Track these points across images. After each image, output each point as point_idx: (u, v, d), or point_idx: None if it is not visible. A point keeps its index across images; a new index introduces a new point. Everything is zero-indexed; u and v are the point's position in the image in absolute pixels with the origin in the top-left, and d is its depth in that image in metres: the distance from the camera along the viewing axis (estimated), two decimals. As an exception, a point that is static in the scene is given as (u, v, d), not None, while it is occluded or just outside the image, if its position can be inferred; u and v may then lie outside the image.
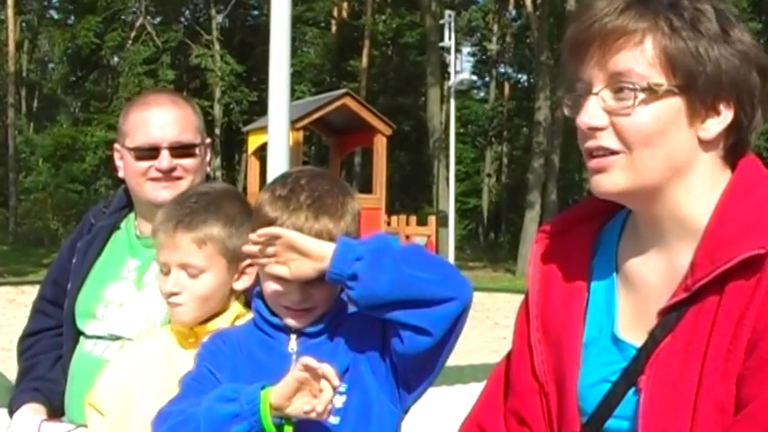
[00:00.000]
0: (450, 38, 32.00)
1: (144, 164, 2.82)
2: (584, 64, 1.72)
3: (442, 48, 33.68)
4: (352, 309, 2.09)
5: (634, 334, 1.76)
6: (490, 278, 32.55)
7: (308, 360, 1.89)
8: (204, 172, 2.92)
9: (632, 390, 1.71)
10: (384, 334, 2.05)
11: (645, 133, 1.67)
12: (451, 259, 28.20)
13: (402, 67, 50.19)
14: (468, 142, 53.78)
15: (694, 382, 1.63)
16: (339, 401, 2.03)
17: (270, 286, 2.10)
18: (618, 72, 1.68)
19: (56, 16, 52.55)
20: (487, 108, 54.31)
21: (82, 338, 2.86)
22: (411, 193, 47.29)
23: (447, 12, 33.05)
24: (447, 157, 32.27)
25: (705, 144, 1.71)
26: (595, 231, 1.92)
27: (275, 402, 1.92)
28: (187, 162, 2.83)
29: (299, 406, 1.91)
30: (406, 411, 2.16)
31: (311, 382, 1.90)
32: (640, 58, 1.67)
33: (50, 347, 3.04)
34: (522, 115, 51.40)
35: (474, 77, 44.71)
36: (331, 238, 2.03)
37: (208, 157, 2.94)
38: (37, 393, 2.90)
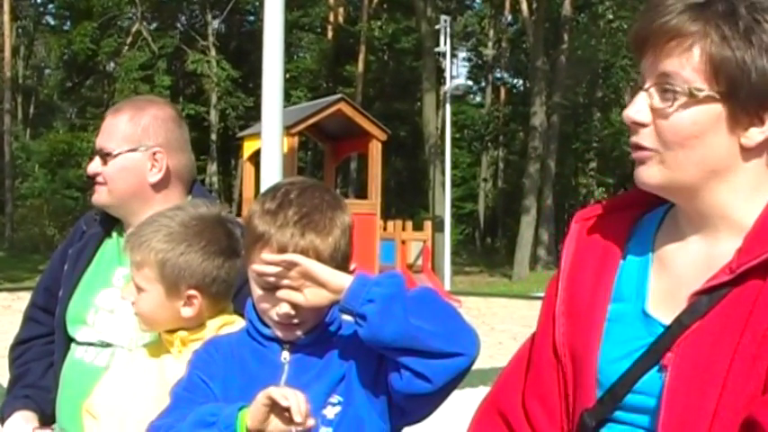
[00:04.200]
0: (445, 43, 31.99)
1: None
2: (643, 59, 1.76)
3: (438, 53, 33.66)
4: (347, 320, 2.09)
5: (664, 312, 1.76)
6: (486, 283, 32.59)
7: (272, 391, 1.89)
8: (133, 180, 2.89)
9: (656, 367, 1.71)
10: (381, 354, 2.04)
11: (681, 135, 1.70)
12: (447, 264, 28.20)
13: (398, 73, 50.19)
14: (464, 147, 53.81)
15: (725, 365, 1.62)
16: (332, 413, 2.04)
17: (259, 299, 2.10)
18: (666, 73, 1.70)
19: (52, 22, 52.61)
20: (483, 113, 54.26)
21: (73, 345, 2.87)
22: (407, 199, 47.29)
23: (443, 17, 33.02)
24: (443, 161, 32.26)
25: (748, 151, 1.72)
26: (635, 217, 1.93)
27: (251, 426, 1.92)
28: (104, 169, 2.89)
29: (278, 426, 1.91)
30: (396, 429, 2.16)
31: (279, 406, 1.90)
32: (687, 62, 1.69)
33: (42, 355, 3.04)
34: (517, 120, 51.37)
35: (470, 82, 44.70)
36: (317, 255, 2.03)
37: (150, 165, 2.89)
38: (28, 401, 2.91)
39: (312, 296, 2.02)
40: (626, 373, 1.74)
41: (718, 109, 1.69)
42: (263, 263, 2.03)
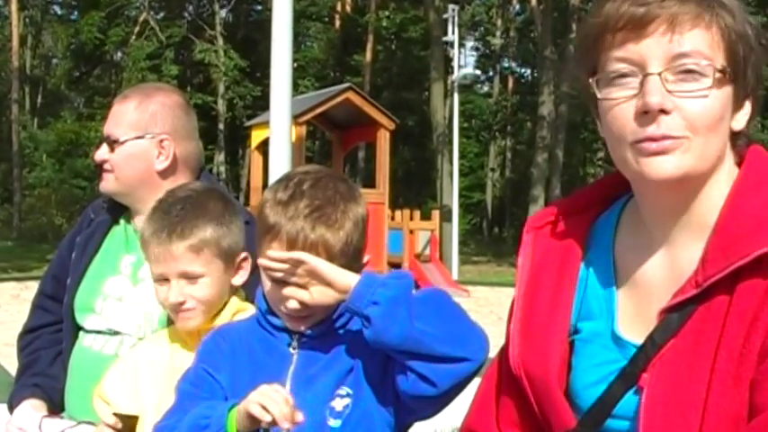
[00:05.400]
0: (453, 32, 31.92)
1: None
2: (633, 42, 1.62)
3: (446, 42, 33.59)
4: None
5: (635, 332, 1.69)
6: (494, 273, 32.52)
7: (253, 408, 1.87)
8: (140, 167, 2.87)
9: (633, 389, 1.64)
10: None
11: (714, 118, 1.60)
12: (455, 254, 28.17)
13: (405, 62, 50.16)
14: (472, 137, 53.80)
15: (703, 386, 1.55)
16: (341, 404, 2.02)
17: (269, 290, 2.07)
18: (683, 53, 1.59)
19: (59, 12, 52.69)
20: (491, 103, 54.32)
21: (81, 333, 2.86)
22: (415, 188, 47.28)
23: (450, 6, 32.92)
24: (451, 151, 32.21)
25: (733, 135, 1.67)
26: (589, 223, 1.85)
27: (241, 429, 1.91)
28: (111, 156, 2.88)
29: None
30: (407, 428, 2.14)
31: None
32: (708, 39, 1.60)
33: (50, 343, 3.03)
34: (525, 110, 51.35)
35: (478, 72, 44.57)
36: (327, 249, 2.00)
37: (157, 153, 2.88)
38: (37, 389, 2.89)
39: (318, 295, 1.99)
40: (603, 396, 1.68)
41: (729, 89, 1.62)
42: (270, 259, 2.01)
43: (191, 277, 2.34)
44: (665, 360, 1.62)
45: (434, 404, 2.00)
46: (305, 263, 1.97)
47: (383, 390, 2.04)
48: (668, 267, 1.70)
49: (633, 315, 1.72)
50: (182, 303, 2.34)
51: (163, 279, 2.36)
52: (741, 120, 1.66)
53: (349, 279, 1.95)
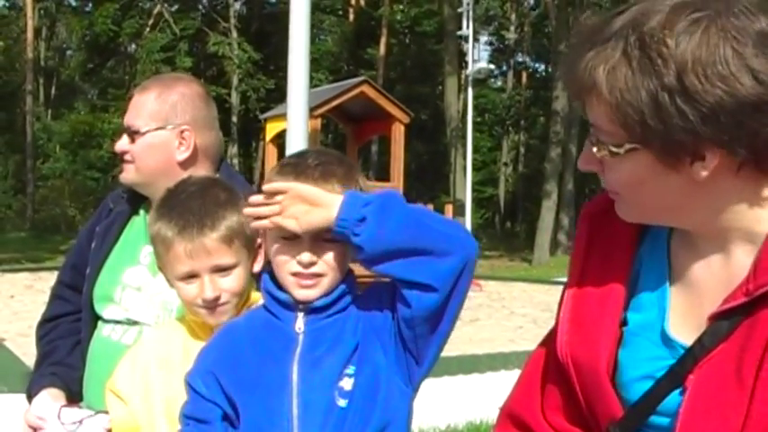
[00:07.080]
0: (467, 26, 31.93)
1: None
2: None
3: (460, 36, 33.64)
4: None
5: (685, 333, 1.67)
6: (506, 267, 32.55)
7: None
8: (161, 158, 2.87)
9: (679, 389, 1.64)
10: (393, 311, 2.01)
11: (624, 184, 1.63)
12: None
13: (419, 56, 50.16)
14: (486, 131, 53.75)
15: (746, 393, 1.54)
16: (349, 384, 2.00)
17: (279, 249, 2.05)
18: (594, 125, 1.62)
19: (74, 3, 52.73)
20: (505, 97, 54.30)
21: (100, 323, 2.87)
22: (428, 182, 47.25)
23: (465, 0, 32.93)
24: (464, 145, 32.23)
25: (708, 181, 1.56)
26: None
27: None
28: (132, 147, 2.89)
29: None
30: (416, 390, 2.12)
31: None
32: (603, 113, 1.57)
33: (69, 332, 3.04)
34: (539, 104, 51.34)
35: (491, 66, 44.54)
36: None
37: (178, 143, 2.88)
38: (55, 378, 2.90)
39: (304, 217, 1.98)
40: (649, 392, 1.68)
41: (645, 155, 1.57)
42: (253, 205, 2.05)
43: (224, 269, 2.29)
44: (711, 364, 1.61)
45: (438, 323, 2.01)
46: (288, 191, 2.00)
47: (392, 361, 2.04)
48: (721, 269, 1.67)
49: (684, 314, 1.71)
50: (217, 298, 2.28)
51: (190, 276, 2.29)
52: (699, 172, 1.55)
53: (333, 196, 1.97)
